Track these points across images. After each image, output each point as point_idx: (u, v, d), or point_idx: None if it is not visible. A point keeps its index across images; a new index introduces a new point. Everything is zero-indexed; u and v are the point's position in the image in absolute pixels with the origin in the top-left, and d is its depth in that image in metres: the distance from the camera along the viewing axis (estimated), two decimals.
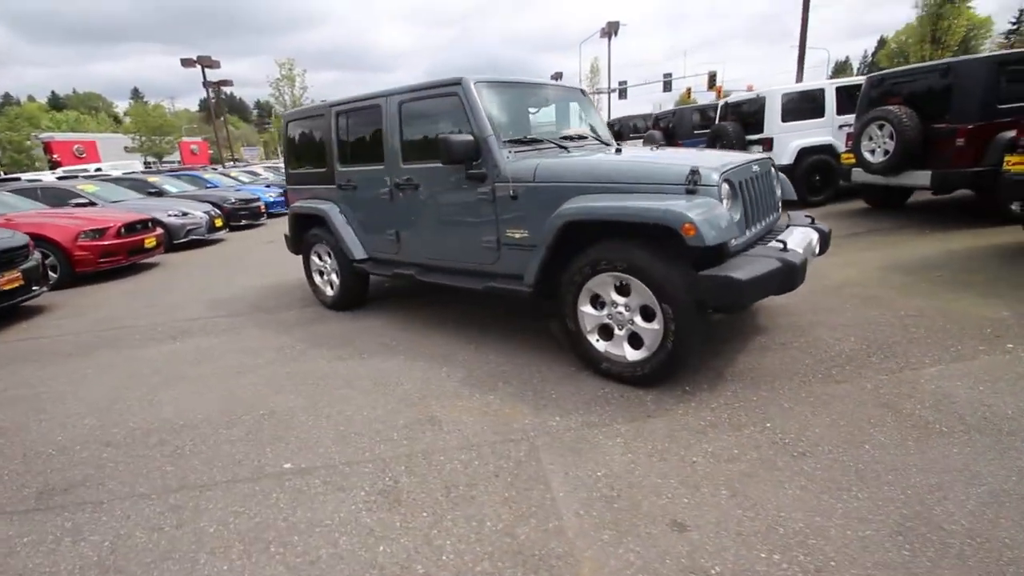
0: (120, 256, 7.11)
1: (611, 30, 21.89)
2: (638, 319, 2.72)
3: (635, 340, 2.78)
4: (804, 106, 8.05)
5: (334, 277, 4.65)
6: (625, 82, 30.53)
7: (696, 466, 2.11)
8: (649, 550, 1.70)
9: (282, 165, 7.08)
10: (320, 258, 4.75)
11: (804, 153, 7.95)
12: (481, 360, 3.36)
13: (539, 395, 2.83)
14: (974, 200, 6.10)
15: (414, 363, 3.40)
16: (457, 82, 3.35)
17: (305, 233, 4.79)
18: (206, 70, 27.22)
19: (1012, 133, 4.85)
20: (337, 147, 4.28)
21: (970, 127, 5.34)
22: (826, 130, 8.00)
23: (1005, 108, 5.28)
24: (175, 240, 9.06)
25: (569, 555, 1.71)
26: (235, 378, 3.39)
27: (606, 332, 2.90)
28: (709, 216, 2.41)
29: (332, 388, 3.13)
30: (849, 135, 7.00)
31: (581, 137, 3.77)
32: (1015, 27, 47.49)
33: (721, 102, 9.98)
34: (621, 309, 2.77)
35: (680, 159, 2.84)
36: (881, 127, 5.96)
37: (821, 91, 8.09)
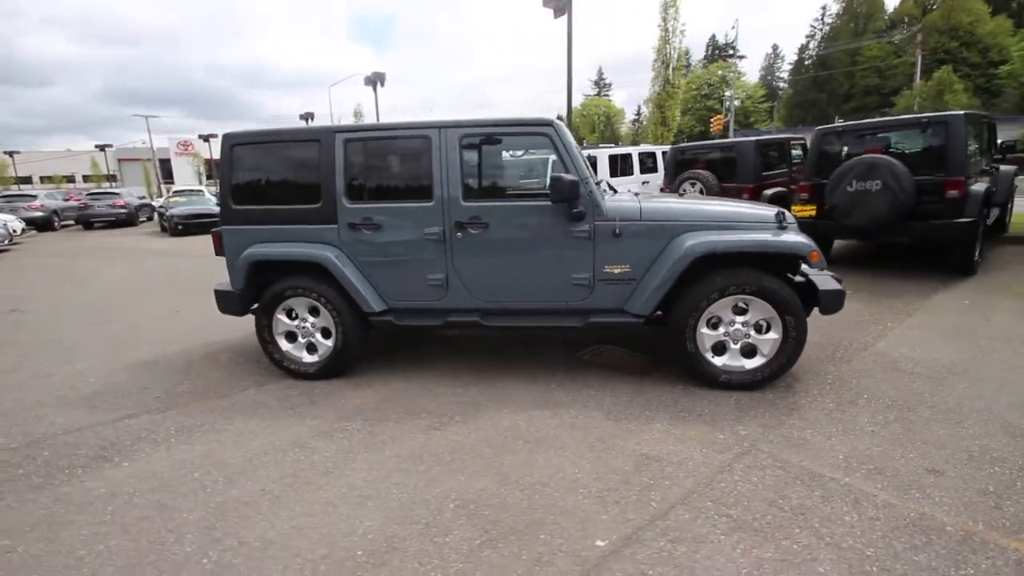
0: None
1: (376, 79, 22.28)
2: (753, 333, 3.27)
3: (747, 351, 3.31)
4: (618, 165, 10.16)
5: (320, 338, 3.77)
6: None
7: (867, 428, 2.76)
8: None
9: None
10: (293, 316, 3.78)
11: None
12: (582, 396, 3.35)
13: (687, 413, 3.07)
14: None
15: (529, 413, 3.16)
16: (548, 123, 3.38)
17: (267, 286, 3.75)
18: None
19: (772, 190, 7.34)
20: (344, 180, 3.58)
21: (751, 186, 7.78)
22: (634, 184, 10.20)
23: (766, 174, 7.91)
24: None
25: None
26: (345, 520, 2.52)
27: (719, 349, 3.35)
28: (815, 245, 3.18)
29: (490, 457, 2.69)
30: (662, 188, 9.17)
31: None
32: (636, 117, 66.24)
33: (552, 157, 11.57)
34: (739, 326, 3.27)
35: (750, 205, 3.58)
36: (693, 184, 8.10)
37: (630, 154, 10.35)
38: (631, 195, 3.80)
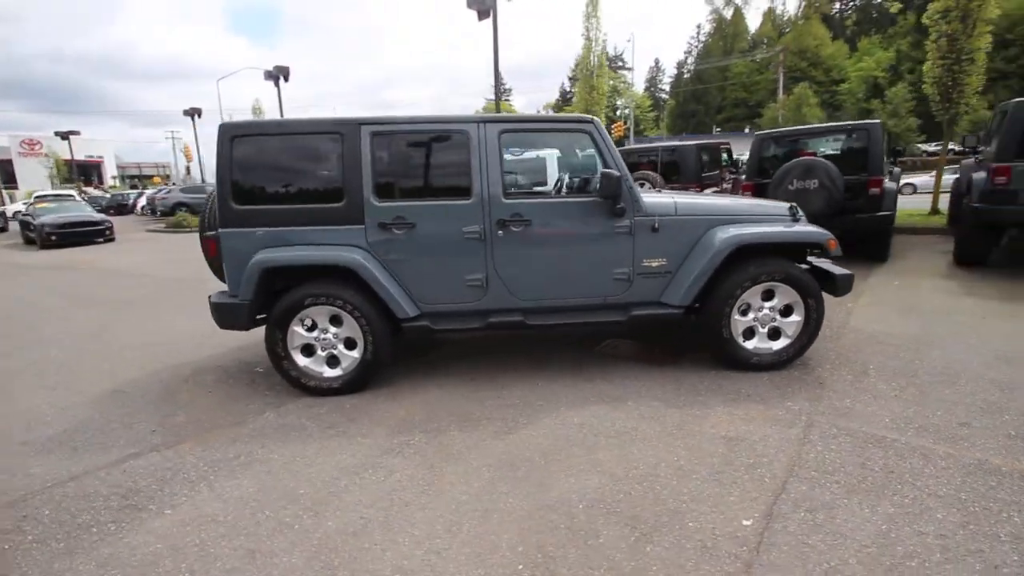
0: None
1: (279, 74, 20.64)
2: (779, 316, 3.55)
3: (772, 334, 3.59)
4: None
5: (343, 349, 3.46)
6: None
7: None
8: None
9: None
10: (311, 328, 3.43)
11: None
12: (631, 388, 3.41)
13: (735, 395, 3.25)
14: None
15: (590, 410, 3.15)
16: (590, 120, 3.40)
17: (276, 296, 3.36)
18: None
19: (711, 189, 8.03)
20: (372, 176, 3.32)
21: (695, 185, 8.40)
22: None
23: (705, 174, 8.59)
24: None
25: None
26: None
27: (748, 333, 3.59)
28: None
29: (582, 456, 2.65)
30: None
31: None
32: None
33: (556, 154, 11.61)
34: (766, 311, 3.53)
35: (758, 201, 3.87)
36: (642, 184, 8.57)
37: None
38: (655, 192, 3.95)
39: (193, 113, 25.82)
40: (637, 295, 3.56)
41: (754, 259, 3.44)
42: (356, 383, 3.48)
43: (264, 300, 3.40)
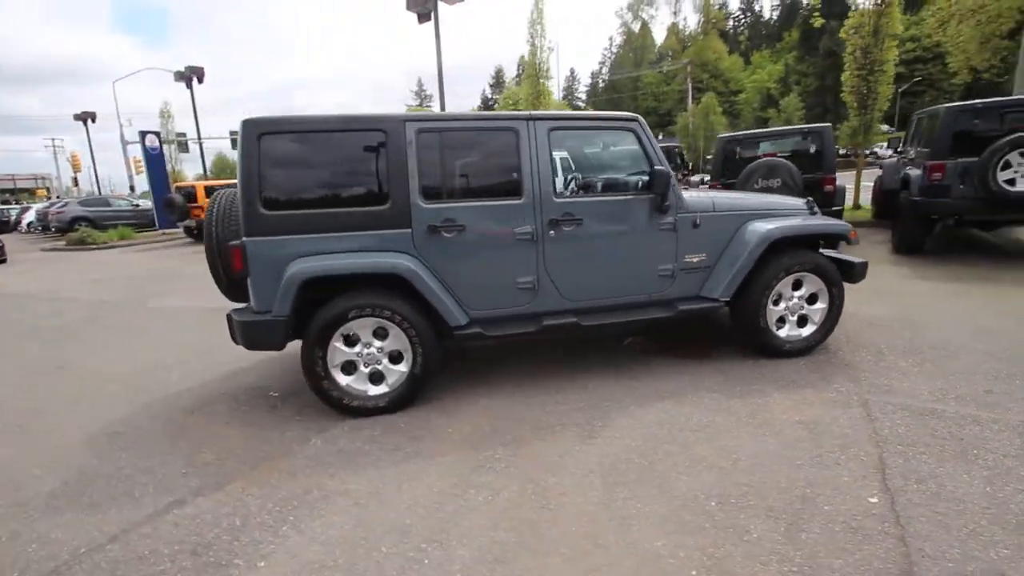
0: None
1: (193, 75, 18.83)
2: (806, 305, 3.76)
3: (800, 322, 3.79)
4: None
5: (388, 363, 3.20)
6: (184, 134, 26.52)
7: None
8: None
9: None
10: (352, 343, 3.14)
11: None
12: (684, 384, 3.46)
13: (783, 381, 3.40)
14: None
15: (658, 407, 3.15)
16: (635, 119, 3.40)
17: (315, 309, 3.05)
18: None
19: None
20: (419, 176, 3.10)
21: None
22: None
23: None
24: None
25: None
26: None
27: (780, 322, 3.76)
28: None
29: (679, 452, 2.63)
30: None
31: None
32: None
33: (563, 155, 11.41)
34: (795, 300, 3.73)
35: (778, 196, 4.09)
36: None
37: None
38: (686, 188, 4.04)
39: (86, 118, 22.96)
40: (679, 290, 3.62)
41: (787, 251, 3.62)
42: (403, 400, 3.23)
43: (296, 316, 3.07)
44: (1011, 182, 5.62)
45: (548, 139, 3.28)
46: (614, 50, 64.03)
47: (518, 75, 65.21)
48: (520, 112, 3.29)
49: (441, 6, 13.64)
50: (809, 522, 2.07)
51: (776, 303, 3.71)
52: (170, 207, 14.48)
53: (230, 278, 3.24)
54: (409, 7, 13.54)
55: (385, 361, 3.21)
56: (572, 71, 76.58)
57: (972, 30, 15.01)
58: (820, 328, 3.77)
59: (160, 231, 17.89)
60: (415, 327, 3.13)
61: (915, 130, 7.67)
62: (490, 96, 61.69)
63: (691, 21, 64.60)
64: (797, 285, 3.72)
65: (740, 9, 64.03)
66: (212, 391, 3.79)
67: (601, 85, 63.16)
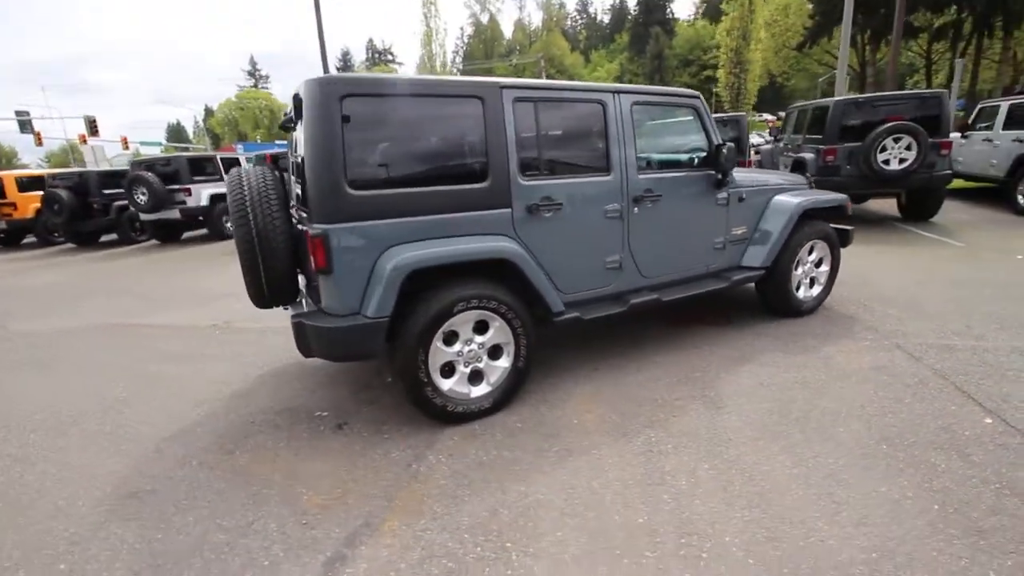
0: None
1: None
2: (815, 268, 4.24)
3: (810, 284, 4.26)
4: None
5: (488, 360, 2.88)
6: None
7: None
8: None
9: None
10: (451, 342, 2.75)
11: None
12: (742, 348, 3.67)
13: (819, 337, 3.79)
14: None
15: (748, 367, 3.31)
16: (697, 95, 3.47)
17: (416, 304, 2.61)
18: None
19: None
20: (517, 150, 2.79)
21: None
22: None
23: None
24: None
25: None
26: None
27: (799, 286, 4.18)
28: None
29: (801, 416, 2.80)
30: None
31: None
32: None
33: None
34: (809, 264, 4.18)
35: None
36: None
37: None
38: None
39: None
40: (726, 261, 3.83)
41: (807, 221, 4.03)
42: (506, 398, 2.93)
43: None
44: (887, 162, 6.94)
45: (631, 113, 3.19)
46: (466, 40, 64.28)
47: (368, 59, 62.06)
48: (605, 84, 3.15)
49: None
50: (968, 448, 2.36)
51: (796, 268, 4.12)
52: None
53: (281, 278, 2.61)
54: None
55: (486, 359, 2.87)
56: (422, 57, 75.18)
57: (768, 40, 18.19)
58: (824, 288, 4.29)
59: None
60: (520, 317, 2.85)
61: (794, 121, 9.05)
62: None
63: (535, 18, 67.44)
64: (809, 251, 4.17)
65: (576, 10, 68.75)
66: (231, 423, 3.03)
67: (456, 74, 63.08)
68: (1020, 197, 7.78)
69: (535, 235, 2.92)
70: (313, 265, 2.47)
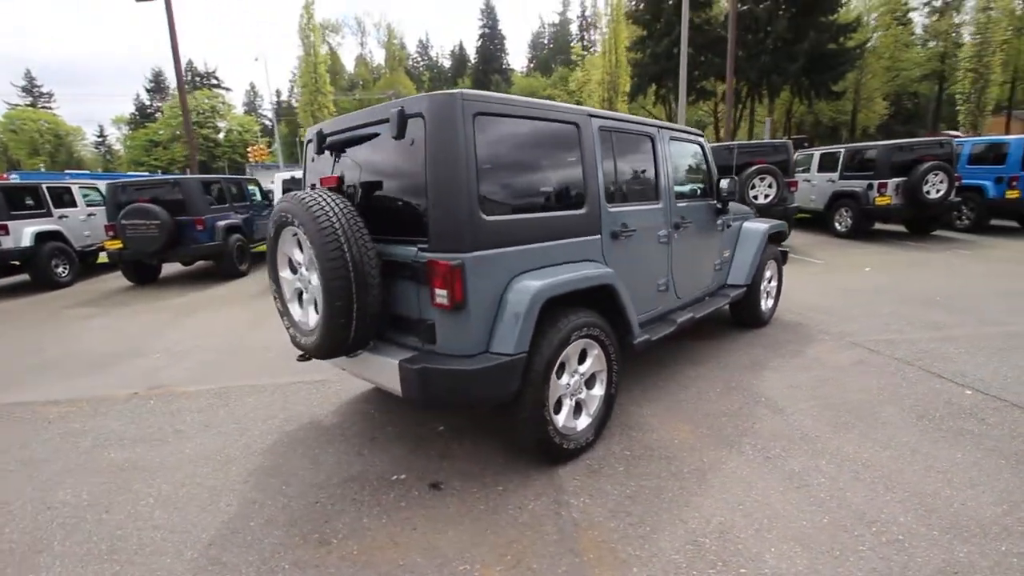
0: None
1: None
2: (769, 283, 4.93)
3: (766, 298, 4.94)
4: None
5: (587, 390, 2.80)
6: None
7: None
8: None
9: None
10: (563, 373, 2.63)
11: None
12: (751, 357, 4.11)
13: (792, 344, 4.43)
14: None
15: (777, 375, 3.70)
16: (700, 134, 3.86)
17: (538, 337, 2.45)
18: None
19: None
20: (603, 178, 2.82)
21: None
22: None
23: None
24: None
25: None
26: None
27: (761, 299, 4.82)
28: None
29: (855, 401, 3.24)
30: None
31: None
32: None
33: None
34: (767, 281, 4.85)
35: None
36: None
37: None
38: None
39: None
40: (718, 282, 4.28)
41: (768, 244, 4.70)
42: (602, 428, 2.86)
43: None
44: (755, 197, 8.41)
45: (669, 147, 3.45)
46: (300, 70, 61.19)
47: (189, 82, 55.23)
48: (651, 120, 3.36)
49: None
50: (976, 413, 2.98)
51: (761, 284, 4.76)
52: None
53: (374, 317, 2.27)
54: None
55: (585, 390, 2.78)
56: (252, 86, 69.53)
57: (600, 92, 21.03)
58: (776, 300, 5.02)
59: None
60: (613, 343, 2.83)
61: None
62: (149, 103, 50.19)
63: (377, 55, 67.23)
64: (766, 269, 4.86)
65: (417, 52, 70.34)
66: (290, 509, 2.43)
67: (293, 105, 59.54)
68: (837, 224, 10.03)
69: (617, 260, 2.96)
70: (443, 300, 2.18)
